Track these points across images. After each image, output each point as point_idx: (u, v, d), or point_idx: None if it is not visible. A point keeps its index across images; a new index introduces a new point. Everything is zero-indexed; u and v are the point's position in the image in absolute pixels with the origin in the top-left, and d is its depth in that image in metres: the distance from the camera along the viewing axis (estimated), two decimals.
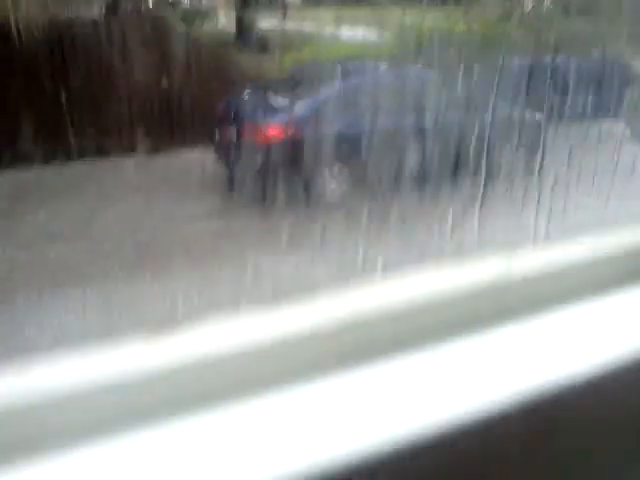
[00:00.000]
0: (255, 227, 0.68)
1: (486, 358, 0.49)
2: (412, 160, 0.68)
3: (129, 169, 0.57)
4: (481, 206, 0.61)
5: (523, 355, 0.50)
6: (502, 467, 0.47)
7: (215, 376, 0.45)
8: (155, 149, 0.58)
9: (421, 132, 0.70)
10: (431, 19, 0.76)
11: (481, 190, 0.61)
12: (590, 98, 0.80)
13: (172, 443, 0.41)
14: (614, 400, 0.51)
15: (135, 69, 0.62)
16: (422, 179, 0.68)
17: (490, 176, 0.62)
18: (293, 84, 0.74)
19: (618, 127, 0.89)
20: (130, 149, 0.56)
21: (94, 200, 0.65)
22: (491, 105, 0.71)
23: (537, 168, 0.71)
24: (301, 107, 0.81)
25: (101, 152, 0.56)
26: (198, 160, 0.61)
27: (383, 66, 0.82)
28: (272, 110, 0.80)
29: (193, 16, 0.76)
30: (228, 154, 0.67)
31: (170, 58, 0.64)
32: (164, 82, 0.64)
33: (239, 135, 0.64)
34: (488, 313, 0.52)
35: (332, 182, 0.74)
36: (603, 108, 0.82)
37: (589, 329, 0.54)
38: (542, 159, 0.74)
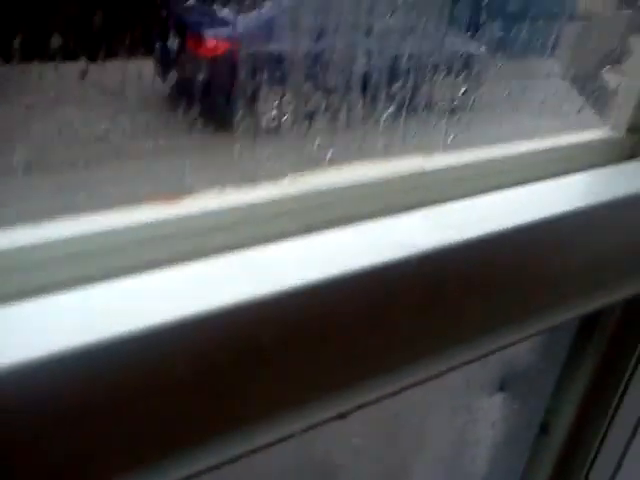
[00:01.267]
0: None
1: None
2: (352, 80, 0.66)
3: (56, 78, 0.53)
4: (406, 120, 0.67)
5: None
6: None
7: None
8: (91, 58, 0.54)
9: (363, 52, 0.68)
10: None
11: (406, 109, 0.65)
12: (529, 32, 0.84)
13: None
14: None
15: None
16: (361, 99, 0.66)
17: (420, 96, 0.67)
18: None
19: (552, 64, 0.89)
20: (62, 56, 0.53)
21: (21, 110, 0.61)
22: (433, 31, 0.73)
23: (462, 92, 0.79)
24: (248, 21, 0.76)
25: (29, 57, 0.53)
26: (136, 71, 0.57)
27: None
28: (216, 21, 0.75)
29: None
30: (167, 66, 0.63)
31: None
32: None
33: (180, 46, 0.60)
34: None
35: (273, 102, 0.71)
36: (544, 44, 0.83)
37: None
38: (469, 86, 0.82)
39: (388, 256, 0.51)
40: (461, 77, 0.80)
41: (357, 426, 0.75)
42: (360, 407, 0.55)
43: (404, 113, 0.66)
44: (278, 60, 0.71)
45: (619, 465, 1.10)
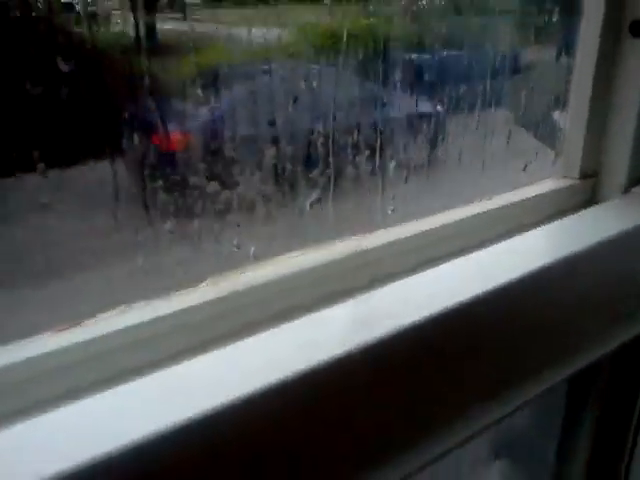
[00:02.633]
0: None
1: None
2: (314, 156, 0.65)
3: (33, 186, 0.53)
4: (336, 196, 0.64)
5: None
6: None
7: None
8: (61, 163, 0.55)
9: (322, 127, 0.68)
10: (332, 16, 0.76)
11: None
12: (482, 89, 0.83)
13: None
14: None
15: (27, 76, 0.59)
16: (325, 176, 0.65)
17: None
18: (199, 86, 0.72)
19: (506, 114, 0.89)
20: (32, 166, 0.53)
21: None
22: (388, 98, 0.74)
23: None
24: (207, 112, 0.79)
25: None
26: (108, 171, 0.57)
27: (286, 66, 0.80)
28: (177, 116, 0.78)
29: (87, 21, 0.71)
30: (135, 163, 0.64)
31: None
32: (63, 92, 0.60)
33: (145, 143, 0.61)
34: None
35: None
36: (494, 97, 0.82)
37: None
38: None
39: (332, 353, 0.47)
40: (422, 136, 0.79)
41: None
42: None
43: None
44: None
45: None
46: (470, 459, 0.86)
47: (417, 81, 0.83)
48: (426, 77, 0.86)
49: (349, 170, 0.63)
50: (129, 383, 0.45)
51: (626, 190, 0.81)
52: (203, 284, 0.52)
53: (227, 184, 0.61)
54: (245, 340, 0.50)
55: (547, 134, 0.94)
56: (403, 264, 0.64)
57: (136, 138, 0.66)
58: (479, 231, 0.72)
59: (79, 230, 0.68)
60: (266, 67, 0.86)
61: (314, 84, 0.72)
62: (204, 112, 0.83)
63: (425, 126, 0.80)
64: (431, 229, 0.69)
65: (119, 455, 0.38)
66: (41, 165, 0.56)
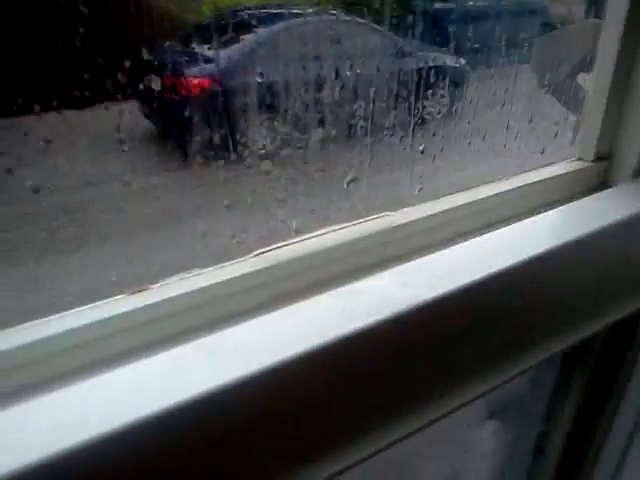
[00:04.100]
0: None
1: None
2: (338, 108, 0.66)
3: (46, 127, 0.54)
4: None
5: None
6: None
7: None
8: (77, 103, 0.55)
9: (344, 78, 0.67)
10: None
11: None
12: (507, 43, 0.82)
13: None
14: None
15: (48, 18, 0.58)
16: (350, 126, 0.66)
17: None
18: (218, 30, 0.71)
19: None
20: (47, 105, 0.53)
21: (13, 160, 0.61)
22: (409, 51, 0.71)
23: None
24: (227, 55, 0.77)
25: (15, 110, 0.54)
26: (124, 114, 0.57)
27: (307, 10, 0.78)
28: (196, 59, 0.76)
29: None
30: (153, 107, 0.63)
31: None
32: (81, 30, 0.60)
33: (163, 87, 0.61)
34: None
35: (260, 133, 0.71)
36: (520, 53, 0.82)
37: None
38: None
39: (364, 322, 0.52)
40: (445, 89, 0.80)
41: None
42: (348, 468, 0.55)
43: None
44: None
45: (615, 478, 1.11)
46: (466, 419, 0.93)
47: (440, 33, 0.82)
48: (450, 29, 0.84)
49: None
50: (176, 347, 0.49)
51: (635, 175, 0.85)
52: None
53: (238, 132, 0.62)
54: (285, 308, 0.54)
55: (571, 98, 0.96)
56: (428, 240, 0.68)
57: (154, 81, 0.66)
58: (497, 210, 0.76)
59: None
60: (288, 11, 0.84)
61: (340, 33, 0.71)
62: (226, 55, 0.82)
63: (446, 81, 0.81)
64: (452, 207, 0.73)
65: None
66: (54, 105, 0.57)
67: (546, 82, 1.00)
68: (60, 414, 0.42)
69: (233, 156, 0.62)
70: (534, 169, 0.82)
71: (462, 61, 0.90)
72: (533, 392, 1.02)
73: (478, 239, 0.68)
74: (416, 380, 0.61)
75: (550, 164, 0.85)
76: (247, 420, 0.48)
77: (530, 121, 0.84)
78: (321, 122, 0.65)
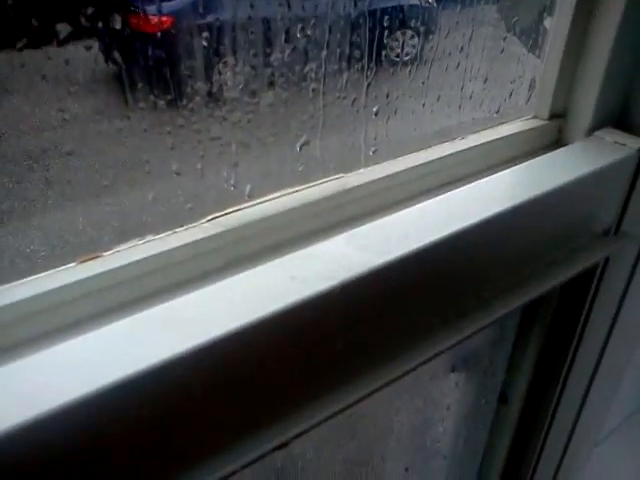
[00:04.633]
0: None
1: None
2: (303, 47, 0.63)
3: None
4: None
5: None
6: None
7: None
8: (33, 44, 0.53)
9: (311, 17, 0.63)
10: None
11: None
12: None
13: None
14: None
15: None
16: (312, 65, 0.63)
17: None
18: None
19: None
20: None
21: None
22: None
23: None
24: None
25: None
26: (82, 54, 0.55)
27: None
28: None
29: None
30: (113, 47, 0.61)
31: None
32: None
33: (123, 25, 0.58)
34: None
35: (224, 75, 0.68)
36: None
37: None
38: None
39: (317, 287, 0.53)
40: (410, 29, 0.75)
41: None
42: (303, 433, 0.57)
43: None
44: None
45: (574, 425, 1.16)
46: (430, 372, 0.96)
47: None
48: None
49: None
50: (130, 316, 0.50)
51: (589, 133, 0.86)
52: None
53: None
54: (237, 276, 0.55)
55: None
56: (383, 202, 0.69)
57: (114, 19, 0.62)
58: (452, 170, 0.77)
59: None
60: None
61: None
62: None
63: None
64: (408, 168, 0.74)
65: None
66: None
67: (512, 25, 0.98)
68: (7, 389, 0.42)
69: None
70: (490, 127, 0.83)
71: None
72: (495, 344, 1.05)
73: (433, 200, 0.69)
74: (372, 343, 0.62)
75: (505, 122, 0.85)
76: (200, 389, 0.49)
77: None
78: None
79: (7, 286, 0.50)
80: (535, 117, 0.88)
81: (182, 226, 0.56)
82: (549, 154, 0.82)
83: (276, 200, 0.62)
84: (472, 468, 1.25)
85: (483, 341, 1.04)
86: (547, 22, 0.96)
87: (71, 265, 0.52)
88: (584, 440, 1.20)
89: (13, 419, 0.38)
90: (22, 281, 0.50)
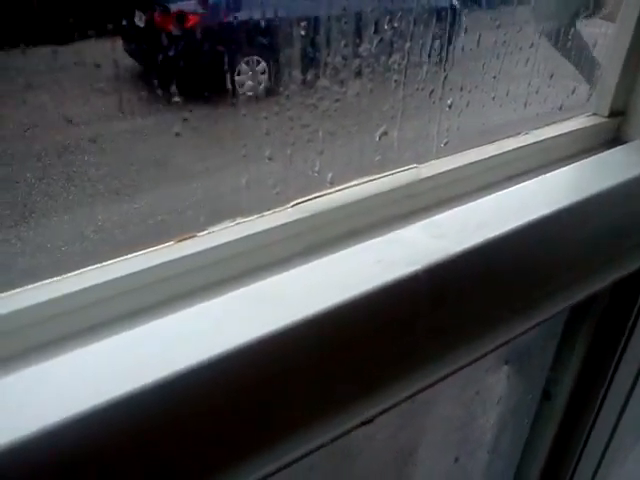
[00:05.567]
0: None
1: None
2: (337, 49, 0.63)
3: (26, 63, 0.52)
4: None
5: None
6: None
7: None
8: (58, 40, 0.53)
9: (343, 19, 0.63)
10: None
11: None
12: None
13: None
14: None
15: None
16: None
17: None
18: None
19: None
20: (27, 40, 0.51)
21: None
22: None
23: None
24: None
25: None
26: (106, 51, 0.55)
27: None
28: None
29: None
30: (137, 45, 0.61)
31: None
32: None
33: (148, 24, 0.58)
34: None
35: (250, 74, 0.68)
36: None
37: None
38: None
39: (403, 271, 0.55)
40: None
41: None
42: (386, 411, 0.59)
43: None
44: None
45: (617, 424, 1.16)
46: (486, 363, 0.97)
47: None
48: None
49: None
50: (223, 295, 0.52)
51: None
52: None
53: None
54: (328, 257, 0.57)
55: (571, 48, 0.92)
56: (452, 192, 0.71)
57: (137, 17, 0.64)
58: (516, 164, 0.78)
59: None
60: None
61: None
62: None
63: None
64: (475, 161, 0.75)
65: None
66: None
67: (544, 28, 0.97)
68: (114, 357, 0.44)
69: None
70: (552, 124, 0.84)
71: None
72: (543, 340, 1.06)
73: (501, 193, 0.70)
74: (449, 329, 0.64)
75: (566, 119, 0.86)
76: (292, 367, 0.51)
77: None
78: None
79: (113, 261, 0.53)
80: (595, 114, 0.89)
81: (269, 210, 0.58)
82: (608, 152, 0.83)
83: (355, 188, 0.64)
84: (512, 462, 1.26)
85: (533, 336, 1.05)
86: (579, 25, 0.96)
87: (170, 244, 0.54)
88: (626, 438, 1.21)
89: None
90: (125, 257, 0.52)
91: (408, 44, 0.60)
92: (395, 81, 0.61)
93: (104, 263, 0.52)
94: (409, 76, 0.62)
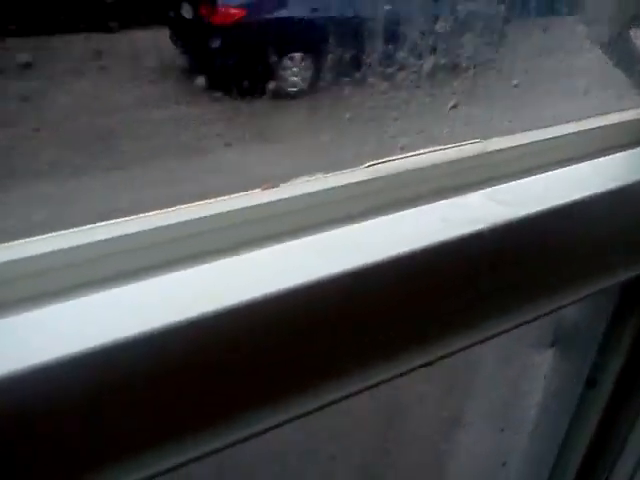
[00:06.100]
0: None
1: None
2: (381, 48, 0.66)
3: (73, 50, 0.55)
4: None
5: None
6: None
7: None
8: (104, 28, 0.56)
9: (387, 19, 0.67)
10: None
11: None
12: None
13: None
14: None
15: None
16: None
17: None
18: None
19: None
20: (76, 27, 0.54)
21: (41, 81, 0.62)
22: None
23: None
24: None
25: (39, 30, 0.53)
26: (151, 42, 0.57)
27: None
28: None
29: None
30: (183, 36, 0.63)
31: None
32: None
33: (195, 15, 0.59)
34: None
35: (295, 70, 0.71)
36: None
37: None
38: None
39: (460, 231, 0.60)
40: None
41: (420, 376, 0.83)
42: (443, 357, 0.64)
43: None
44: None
45: None
46: (531, 340, 1.01)
47: None
48: None
49: None
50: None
51: None
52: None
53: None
54: (396, 214, 0.62)
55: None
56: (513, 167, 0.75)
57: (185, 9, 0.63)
58: (566, 149, 0.82)
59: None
60: None
61: None
62: None
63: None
64: (534, 141, 0.79)
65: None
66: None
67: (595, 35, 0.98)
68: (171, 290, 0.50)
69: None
70: (603, 114, 0.87)
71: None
72: (590, 323, 1.09)
73: (561, 170, 0.74)
74: (502, 289, 0.68)
75: (618, 111, 0.89)
76: (358, 308, 0.56)
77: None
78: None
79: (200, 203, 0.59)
80: None
81: (346, 169, 0.64)
82: None
83: (423, 155, 0.69)
84: (553, 447, 1.29)
85: (579, 319, 1.08)
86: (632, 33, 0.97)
87: (256, 191, 0.61)
88: None
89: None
90: (219, 199, 0.59)
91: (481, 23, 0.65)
92: (467, 57, 0.66)
93: (197, 203, 0.59)
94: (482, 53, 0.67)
